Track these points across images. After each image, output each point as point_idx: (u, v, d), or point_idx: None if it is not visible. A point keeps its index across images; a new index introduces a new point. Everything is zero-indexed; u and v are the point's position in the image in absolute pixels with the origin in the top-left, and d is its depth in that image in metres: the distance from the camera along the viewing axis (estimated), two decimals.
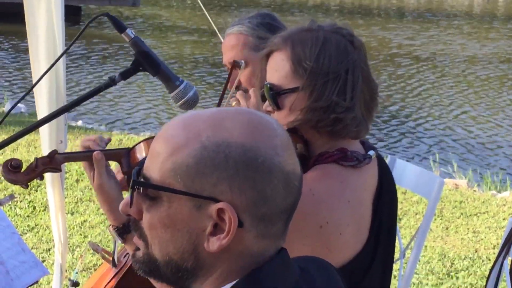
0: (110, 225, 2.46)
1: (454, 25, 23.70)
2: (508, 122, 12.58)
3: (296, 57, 2.36)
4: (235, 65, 3.05)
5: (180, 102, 2.45)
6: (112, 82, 2.39)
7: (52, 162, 2.54)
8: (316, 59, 2.33)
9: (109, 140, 2.61)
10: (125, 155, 2.54)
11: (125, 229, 2.42)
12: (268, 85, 2.40)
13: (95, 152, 2.45)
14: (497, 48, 19.53)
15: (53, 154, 2.53)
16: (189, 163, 1.45)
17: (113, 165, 2.65)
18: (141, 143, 2.54)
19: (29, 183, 2.56)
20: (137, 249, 1.55)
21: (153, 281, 1.56)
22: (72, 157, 2.66)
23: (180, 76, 2.49)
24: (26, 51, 14.86)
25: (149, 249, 1.52)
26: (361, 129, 2.39)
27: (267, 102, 2.43)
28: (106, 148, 2.59)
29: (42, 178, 2.56)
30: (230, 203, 1.43)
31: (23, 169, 2.53)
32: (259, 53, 2.55)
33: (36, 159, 2.51)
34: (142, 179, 1.50)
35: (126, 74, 2.39)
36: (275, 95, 2.39)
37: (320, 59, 2.33)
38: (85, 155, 2.54)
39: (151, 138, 2.55)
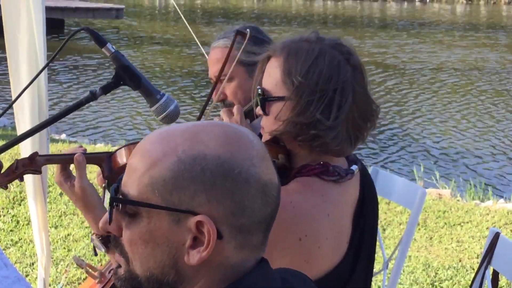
0: (93, 233, 2.42)
1: (435, 34, 23.82)
2: (489, 132, 12.63)
3: (287, 67, 2.34)
4: (239, 32, 3.01)
5: (161, 116, 2.45)
6: (93, 96, 2.39)
7: (33, 164, 2.53)
8: (305, 73, 2.31)
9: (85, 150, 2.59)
10: (106, 160, 2.53)
11: (109, 238, 2.39)
12: (259, 90, 2.41)
13: (76, 155, 2.43)
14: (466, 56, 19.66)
15: (34, 156, 2.53)
16: (166, 177, 1.45)
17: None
18: (123, 148, 2.53)
19: (8, 184, 2.55)
20: (119, 266, 1.55)
21: None
22: (53, 159, 2.65)
23: (161, 90, 2.49)
24: (1, 61, 14.75)
25: (130, 265, 1.52)
26: (342, 149, 2.36)
27: (259, 106, 2.43)
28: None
29: (22, 179, 2.55)
30: (208, 215, 1.44)
31: (3, 170, 2.53)
32: (259, 56, 2.53)
33: (17, 161, 2.50)
34: (120, 196, 1.50)
35: (107, 88, 2.39)
36: (263, 100, 2.39)
37: (309, 73, 2.31)
38: (66, 158, 2.53)
39: (133, 143, 2.54)
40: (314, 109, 2.30)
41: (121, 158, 2.53)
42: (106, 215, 1.52)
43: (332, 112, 2.31)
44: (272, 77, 2.39)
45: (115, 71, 2.41)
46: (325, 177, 2.37)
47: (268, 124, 2.41)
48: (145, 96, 2.46)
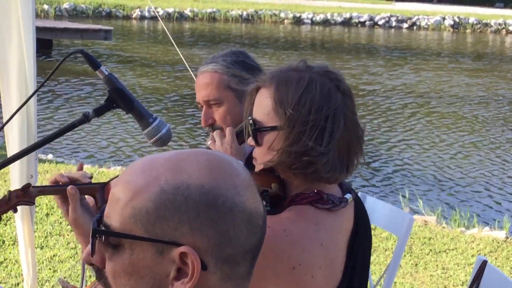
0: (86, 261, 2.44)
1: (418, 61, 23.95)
2: (475, 160, 12.69)
3: (278, 98, 2.34)
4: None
5: (153, 140, 2.46)
6: (85, 118, 2.40)
7: (26, 195, 2.53)
8: (297, 102, 2.31)
9: (91, 176, 2.60)
10: (99, 190, 2.53)
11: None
12: (250, 120, 2.41)
13: (69, 187, 2.44)
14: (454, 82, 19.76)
15: (27, 187, 2.53)
16: (149, 207, 1.42)
17: None
18: (116, 179, 2.53)
19: (1, 216, 2.55)
20: None
21: None
22: (47, 190, 2.65)
23: (153, 113, 2.50)
24: None
25: None
26: (334, 175, 2.35)
27: (250, 137, 2.43)
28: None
29: (15, 210, 2.56)
30: (192, 246, 1.41)
31: None
32: (249, 87, 2.54)
33: (10, 192, 2.51)
34: (103, 227, 1.47)
35: (100, 111, 2.40)
36: (255, 131, 2.40)
37: (301, 102, 2.31)
38: (59, 189, 2.53)
39: None
40: (307, 138, 2.30)
41: None
42: (89, 246, 1.49)
43: (324, 138, 2.31)
44: (263, 107, 2.39)
45: (108, 94, 2.42)
46: (319, 205, 2.36)
47: (261, 155, 2.41)
48: (137, 119, 2.47)
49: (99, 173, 8.94)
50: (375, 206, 3.65)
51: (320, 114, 2.31)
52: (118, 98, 2.42)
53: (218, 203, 1.42)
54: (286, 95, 2.33)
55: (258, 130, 2.38)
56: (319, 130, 2.31)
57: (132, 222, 1.43)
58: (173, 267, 1.42)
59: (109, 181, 2.54)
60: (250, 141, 2.42)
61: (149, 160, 1.49)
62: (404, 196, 9.24)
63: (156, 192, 1.42)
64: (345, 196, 2.43)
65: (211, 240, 1.42)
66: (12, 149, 3.86)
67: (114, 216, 1.45)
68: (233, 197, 1.44)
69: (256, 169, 2.45)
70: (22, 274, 5.40)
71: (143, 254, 1.43)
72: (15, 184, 3.91)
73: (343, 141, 2.35)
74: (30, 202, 2.54)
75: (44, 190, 2.63)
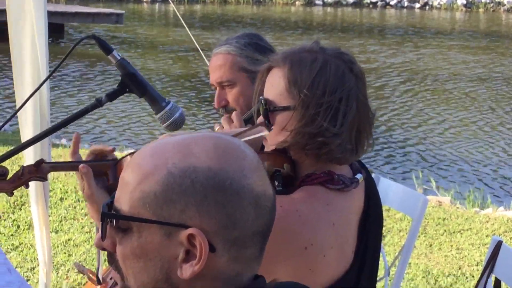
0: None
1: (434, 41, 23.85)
2: (488, 139, 12.64)
3: (292, 78, 2.34)
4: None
5: (166, 124, 2.46)
6: (98, 103, 2.40)
7: (39, 170, 2.54)
8: (311, 83, 2.31)
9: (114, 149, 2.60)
10: (112, 167, 2.53)
11: None
12: (262, 100, 2.40)
13: (80, 166, 2.45)
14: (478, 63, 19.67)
15: (39, 162, 2.53)
16: (157, 190, 1.44)
17: None
18: (128, 156, 2.54)
19: (14, 191, 2.56)
20: (116, 284, 1.55)
21: None
22: (59, 166, 2.66)
23: (165, 97, 2.50)
24: (5, 68, 14.76)
25: (125, 281, 1.51)
26: (345, 156, 2.37)
27: (261, 117, 2.43)
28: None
29: (27, 186, 2.57)
30: (200, 229, 1.42)
31: (8, 177, 2.54)
32: (260, 67, 2.53)
33: (23, 167, 2.51)
34: (113, 211, 1.49)
35: (112, 96, 2.40)
36: (267, 111, 2.39)
37: (315, 84, 2.31)
38: (71, 166, 2.54)
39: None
40: (321, 119, 2.31)
41: None
42: (100, 232, 1.51)
43: (338, 120, 2.32)
44: (275, 87, 2.39)
45: (121, 78, 2.42)
46: (330, 186, 2.37)
47: (273, 135, 2.40)
48: (150, 103, 2.47)
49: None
50: (389, 188, 3.65)
51: (334, 96, 2.31)
52: (130, 83, 2.42)
53: (225, 185, 1.44)
54: (300, 76, 2.33)
55: (270, 110, 2.38)
56: (333, 112, 2.31)
57: (140, 205, 1.45)
58: (182, 249, 1.44)
59: (121, 159, 2.54)
60: (261, 120, 2.41)
61: (157, 144, 1.51)
62: (417, 177, 9.22)
63: (164, 175, 1.44)
64: (355, 176, 2.44)
65: (219, 222, 1.43)
66: (25, 135, 3.86)
67: (123, 200, 1.48)
68: (240, 179, 1.45)
69: (266, 150, 2.45)
70: (37, 259, 5.42)
71: (151, 237, 1.45)
72: None
73: (354, 123, 2.36)
74: (43, 178, 2.55)
75: (56, 166, 2.64)
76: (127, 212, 1.47)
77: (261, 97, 2.41)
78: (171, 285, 1.47)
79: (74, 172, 2.53)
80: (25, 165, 2.52)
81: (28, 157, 3.90)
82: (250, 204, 1.46)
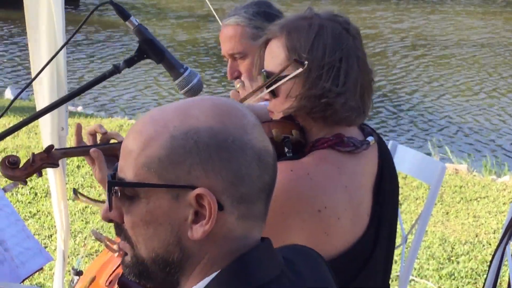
0: None
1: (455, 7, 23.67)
2: (506, 107, 12.56)
3: (291, 45, 2.37)
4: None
5: (184, 90, 2.46)
6: (116, 69, 2.40)
7: (50, 157, 2.54)
8: (310, 47, 2.34)
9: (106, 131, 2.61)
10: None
11: None
12: (264, 73, 2.42)
13: (91, 150, 2.47)
14: (492, 32, 19.51)
15: (50, 149, 2.54)
16: (161, 155, 1.45)
17: None
18: None
19: (27, 179, 2.57)
20: (125, 254, 1.55)
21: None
22: (70, 152, 2.67)
23: (183, 63, 2.50)
24: (22, 36, 14.74)
25: (135, 250, 1.52)
26: (352, 115, 2.38)
27: (264, 89, 2.44)
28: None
29: (40, 174, 2.57)
30: (207, 188, 1.44)
31: (20, 165, 2.54)
32: (257, 41, 2.56)
33: (33, 155, 2.52)
34: (117, 181, 1.50)
35: (130, 62, 2.40)
36: (271, 82, 2.40)
37: (314, 47, 2.34)
38: (82, 150, 2.55)
39: None
40: (323, 80, 2.34)
41: None
42: (106, 203, 1.52)
43: (340, 79, 2.35)
44: (276, 57, 2.41)
45: (139, 45, 2.42)
46: (340, 148, 2.38)
47: (279, 104, 2.43)
48: (168, 69, 2.47)
49: (128, 125, 8.97)
50: (406, 155, 3.63)
51: (334, 57, 2.35)
52: (148, 49, 2.41)
53: (228, 143, 1.45)
54: (299, 42, 2.37)
55: (274, 81, 2.39)
56: (335, 72, 2.35)
57: (146, 171, 1.46)
58: (191, 211, 1.46)
59: None
60: (265, 93, 2.43)
61: (157, 110, 1.52)
62: (432, 145, 9.18)
63: (166, 139, 1.45)
64: (367, 139, 2.44)
65: (225, 180, 1.45)
66: (42, 103, 3.85)
67: (127, 168, 1.48)
68: (241, 136, 1.47)
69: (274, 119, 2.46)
70: (54, 226, 5.45)
71: (159, 202, 1.46)
72: (46, 137, 3.91)
73: (358, 81, 2.39)
74: (54, 164, 2.56)
75: (67, 152, 2.64)
76: (133, 179, 1.47)
77: (262, 70, 2.42)
78: (182, 248, 1.48)
79: (86, 157, 2.53)
80: (35, 153, 2.52)
81: (45, 125, 3.90)
82: (254, 160, 1.48)
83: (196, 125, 1.46)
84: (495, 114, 12.03)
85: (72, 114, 9.13)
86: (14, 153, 7.38)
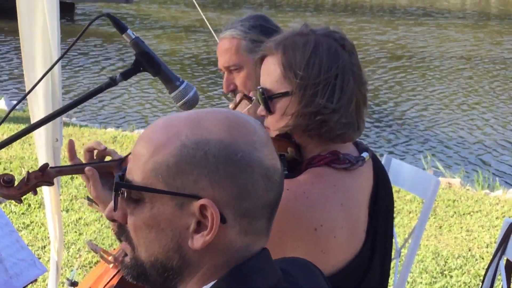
0: (112, 229, 2.48)
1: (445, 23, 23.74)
2: (496, 121, 12.59)
3: (287, 62, 2.38)
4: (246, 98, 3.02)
5: (180, 102, 2.47)
6: (113, 82, 2.40)
7: (44, 176, 2.55)
8: (306, 64, 2.35)
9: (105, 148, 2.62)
10: (116, 167, 2.55)
11: None
12: (260, 90, 2.42)
13: (86, 168, 2.47)
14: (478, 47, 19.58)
15: (45, 167, 2.54)
16: (170, 162, 1.47)
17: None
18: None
19: (22, 198, 2.57)
20: (125, 255, 1.57)
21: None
22: (64, 171, 2.67)
23: (179, 76, 2.50)
24: (17, 47, 14.70)
25: (135, 252, 1.54)
26: (347, 132, 2.39)
27: (261, 106, 2.44)
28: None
29: (35, 192, 2.58)
30: (211, 199, 1.45)
31: (15, 184, 2.54)
32: (253, 54, 2.57)
33: (28, 173, 2.52)
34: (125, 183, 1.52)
35: (127, 74, 2.41)
36: (266, 99, 2.41)
37: (310, 65, 2.35)
38: (77, 169, 2.55)
39: None
40: (319, 98, 2.34)
41: None
42: (111, 203, 1.54)
43: (335, 96, 2.35)
44: (271, 75, 2.42)
45: (135, 57, 2.43)
46: (336, 166, 2.39)
47: (274, 122, 2.43)
48: (164, 82, 2.47)
49: (122, 136, 8.97)
50: (400, 169, 3.64)
51: (330, 73, 2.35)
52: (145, 62, 2.42)
53: (237, 157, 1.47)
54: (295, 59, 2.37)
55: (270, 98, 2.40)
56: (330, 89, 2.35)
57: (153, 176, 1.48)
58: (193, 220, 1.47)
59: (125, 157, 2.55)
60: (261, 110, 2.44)
61: (169, 118, 1.54)
62: (425, 159, 9.19)
63: (177, 147, 1.47)
64: (361, 155, 2.45)
65: (230, 193, 1.46)
66: (37, 114, 3.85)
67: (136, 171, 1.50)
68: (251, 152, 1.48)
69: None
70: (48, 237, 5.44)
71: (163, 208, 1.48)
72: (41, 148, 3.91)
73: (353, 97, 2.39)
74: (49, 182, 2.56)
75: (62, 170, 2.65)
76: (140, 183, 1.49)
77: (258, 87, 2.43)
78: (181, 255, 1.50)
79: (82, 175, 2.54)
80: (30, 171, 2.53)
81: (39, 136, 3.90)
82: (261, 177, 1.49)
83: (207, 136, 1.47)
84: (489, 130, 12.06)
85: (66, 124, 9.11)
86: (8, 164, 7.39)
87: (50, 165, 2.56)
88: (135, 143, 1.55)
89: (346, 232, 2.33)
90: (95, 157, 2.60)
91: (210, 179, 1.46)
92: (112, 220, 1.56)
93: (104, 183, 2.48)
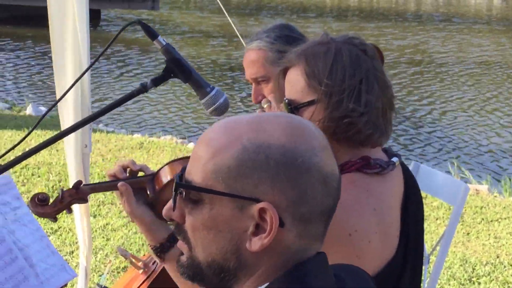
0: (148, 244, 2.51)
1: (475, 28, 23.64)
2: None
3: (310, 71, 2.38)
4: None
5: (210, 109, 2.47)
6: (143, 88, 2.41)
7: (78, 193, 2.57)
8: (329, 71, 2.36)
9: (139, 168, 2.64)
10: (149, 182, 2.56)
11: (163, 248, 2.47)
12: (286, 101, 2.44)
13: (119, 184, 2.50)
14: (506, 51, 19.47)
15: (78, 185, 2.57)
16: (231, 164, 1.48)
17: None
18: (165, 167, 2.56)
19: (57, 216, 2.59)
20: (181, 254, 1.59)
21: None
22: (98, 187, 2.68)
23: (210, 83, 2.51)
24: (44, 53, 14.80)
25: (192, 252, 1.56)
26: (375, 133, 2.39)
27: None
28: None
29: (70, 210, 2.60)
30: (271, 203, 1.47)
31: (50, 202, 2.56)
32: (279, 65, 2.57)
33: (62, 191, 2.54)
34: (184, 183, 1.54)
35: (157, 81, 2.42)
36: (293, 110, 2.42)
37: (333, 71, 2.36)
38: (110, 185, 2.57)
39: (176, 160, 2.58)
40: (346, 102, 2.35)
41: (165, 176, 2.56)
42: (170, 202, 1.56)
43: (361, 100, 2.36)
44: (295, 85, 2.43)
45: (166, 64, 2.44)
46: (367, 171, 2.39)
47: None
48: (195, 88, 2.48)
49: (149, 142, 9.00)
50: (429, 175, 3.63)
51: (354, 79, 2.36)
52: (176, 68, 2.43)
53: (297, 162, 1.48)
54: (318, 68, 2.38)
55: (296, 109, 2.41)
56: (356, 94, 2.36)
57: (213, 178, 1.50)
58: (252, 223, 1.49)
59: (158, 171, 2.57)
60: None
61: (231, 120, 1.55)
62: (452, 166, 9.15)
63: (238, 150, 1.49)
64: (391, 159, 2.45)
65: (289, 198, 1.48)
66: (67, 120, 3.88)
67: (195, 172, 1.52)
68: (311, 158, 1.50)
69: None
70: (76, 242, 5.47)
71: (222, 209, 1.50)
72: (70, 154, 3.94)
73: (379, 101, 2.39)
74: (84, 199, 2.58)
75: (95, 187, 2.67)
76: (199, 184, 1.51)
77: (284, 99, 2.44)
78: (238, 257, 1.52)
79: (115, 191, 2.56)
80: (64, 189, 2.55)
81: (68, 142, 3.92)
82: (319, 182, 1.51)
83: (269, 140, 1.49)
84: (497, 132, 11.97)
85: (93, 130, 9.16)
86: (36, 169, 7.44)
87: (83, 183, 2.59)
88: (195, 144, 1.57)
89: (380, 237, 2.34)
90: (127, 174, 2.62)
91: (270, 183, 1.48)
92: (170, 219, 1.58)
93: (137, 198, 2.51)
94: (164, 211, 1.58)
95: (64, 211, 2.60)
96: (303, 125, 1.55)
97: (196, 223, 1.53)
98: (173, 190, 1.55)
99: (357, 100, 2.35)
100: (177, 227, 1.59)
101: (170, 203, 1.57)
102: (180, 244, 1.59)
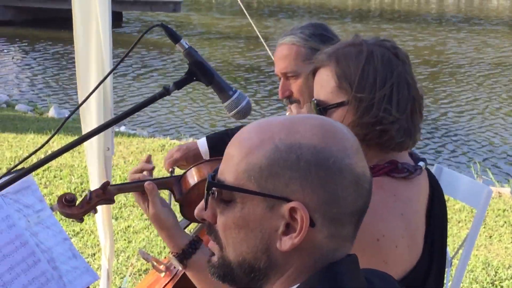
0: (170, 252, 2.50)
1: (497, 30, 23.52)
2: None
3: (341, 73, 2.37)
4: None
5: (233, 112, 2.47)
6: (166, 91, 2.41)
7: (105, 194, 2.58)
8: (361, 74, 2.34)
9: (153, 167, 2.64)
10: (176, 183, 2.57)
11: (185, 255, 2.46)
12: (315, 101, 2.42)
13: (146, 183, 2.50)
14: None
15: (105, 185, 2.57)
16: (262, 164, 1.50)
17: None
18: (192, 169, 2.57)
19: (83, 216, 2.60)
20: (212, 254, 1.61)
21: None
22: (125, 188, 2.68)
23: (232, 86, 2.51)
24: (66, 55, 14.85)
25: (223, 251, 1.57)
26: (406, 140, 2.38)
27: None
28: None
29: (96, 211, 2.60)
30: (302, 203, 1.48)
31: (77, 203, 2.57)
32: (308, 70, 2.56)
33: (90, 192, 2.55)
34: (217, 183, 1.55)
35: (180, 84, 2.41)
36: (322, 111, 2.40)
37: (364, 74, 2.34)
38: (137, 185, 2.57)
39: (202, 163, 2.58)
40: (376, 108, 2.33)
41: (192, 178, 2.56)
42: (202, 202, 1.58)
43: (392, 106, 2.34)
44: (325, 86, 2.41)
45: (189, 67, 2.44)
46: (395, 175, 2.38)
47: None
48: (217, 92, 2.48)
49: (171, 145, 9.02)
50: (451, 178, 3.61)
51: (385, 82, 2.34)
52: (198, 71, 2.43)
53: (329, 163, 1.49)
54: (349, 69, 2.36)
55: (325, 110, 2.39)
56: (387, 99, 2.34)
57: (245, 177, 1.51)
58: (282, 222, 1.50)
59: (184, 173, 2.57)
60: None
61: (263, 121, 1.57)
62: (473, 163, 9.09)
63: (270, 149, 1.50)
64: (418, 163, 2.44)
65: (320, 198, 1.49)
66: (89, 124, 3.88)
67: (228, 172, 1.54)
68: (342, 159, 1.51)
69: None
70: (98, 245, 5.49)
71: (253, 209, 1.51)
72: (92, 156, 3.95)
73: (408, 107, 2.38)
74: (111, 200, 2.58)
75: (122, 188, 2.67)
76: (232, 183, 1.52)
77: (313, 99, 2.42)
78: (269, 256, 1.53)
79: (135, 195, 2.57)
80: (92, 189, 2.55)
81: (90, 145, 3.93)
82: (351, 184, 1.51)
83: (300, 141, 1.50)
84: None
85: (115, 133, 9.18)
86: (58, 172, 7.47)
87: (110, 183, 2.59)
88: (228, 144, 1.58)
89: (406, 242, 2.33)
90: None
91: (301, 183, 1.48)
92: (201, 219, 1.59)
93: (160, 200, 2.50)
94: (196, 211, 1.60)
95: (90, 212, 2.60)
96: (335, 127, 1.56)
97: (227, 223, 1.54)
98: (205, 189, 1.56)
99: (388, 106, 2.33)
100: (209, 227, 1.60)
101: (202, 203, 1.58)
102: (211, 244, 1.60)
